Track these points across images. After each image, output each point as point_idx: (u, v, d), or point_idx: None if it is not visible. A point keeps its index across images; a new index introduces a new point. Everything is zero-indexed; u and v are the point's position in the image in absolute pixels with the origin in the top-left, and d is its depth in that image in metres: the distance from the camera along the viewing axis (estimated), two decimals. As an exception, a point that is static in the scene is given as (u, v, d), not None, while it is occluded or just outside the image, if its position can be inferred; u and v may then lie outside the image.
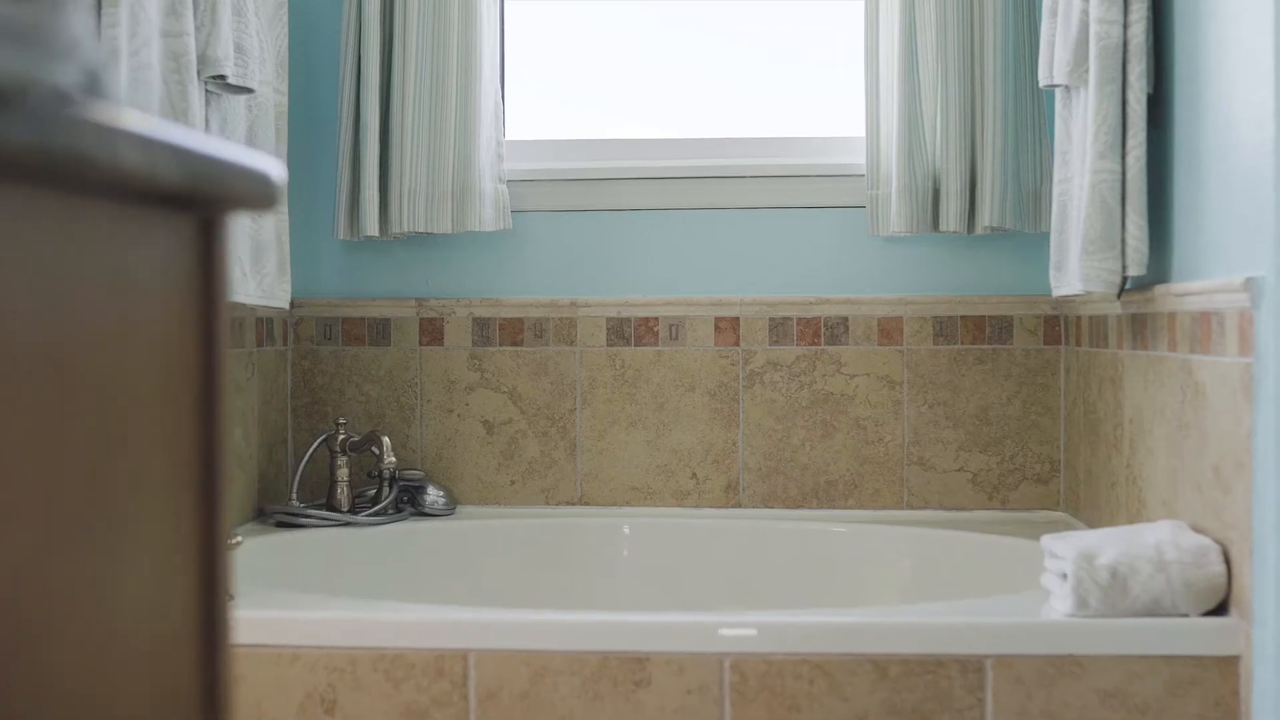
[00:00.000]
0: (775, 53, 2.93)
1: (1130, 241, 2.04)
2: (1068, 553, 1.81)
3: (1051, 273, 2.33)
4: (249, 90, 2.30)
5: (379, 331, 2.85)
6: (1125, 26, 2.05)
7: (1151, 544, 1.78)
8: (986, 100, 2.61)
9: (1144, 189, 2.04)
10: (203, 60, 2.16)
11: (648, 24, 2.96)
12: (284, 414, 2.84)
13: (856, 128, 2.83)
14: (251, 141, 2.42)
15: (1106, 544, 1.80)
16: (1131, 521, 2.24)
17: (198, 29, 2.15)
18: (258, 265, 2.43)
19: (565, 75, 2.98)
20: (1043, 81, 2.31)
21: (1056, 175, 2.32)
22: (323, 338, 2.87)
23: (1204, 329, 1.87)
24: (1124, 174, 2.06)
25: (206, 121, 2.25)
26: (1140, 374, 2.19)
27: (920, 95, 2.65)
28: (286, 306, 2.51)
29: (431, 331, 2.85)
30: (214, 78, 2.20)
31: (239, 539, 1.83)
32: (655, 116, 2.96)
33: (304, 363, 2.87)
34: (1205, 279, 1.90)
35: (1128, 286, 2.18)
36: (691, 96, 2.95)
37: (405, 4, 2.68)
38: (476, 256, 2.85)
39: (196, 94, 2.11)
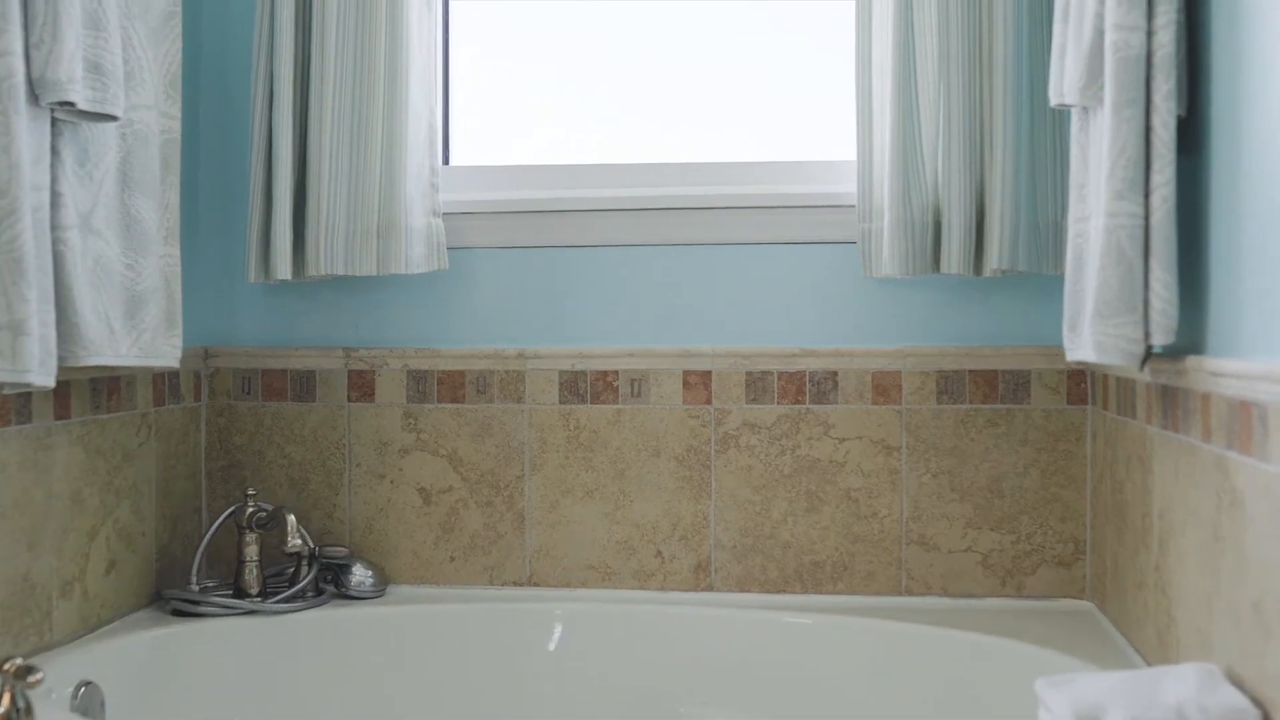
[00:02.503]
0: (755, 65, 2.54)
1: (1155, 303, 1.64)
2: (1064, 710, 1.41)
3: (1065, 332, 1.93)
4: (111, 117, 1.96)
5: (303, 385, 2.50)
6: (1149, 34, 1.64)
7: (1172, 705, 1.37)
8: (996, 119, 2.21)
9: (1172, 237, 1.63)
10: (40, 83, 1.81)
11: (611, 36, 2.58)
12: (195, 480, 2.50)
13: (849, 150, 2.44)
14: (126, 175, 2.08)
15: (1114, 701, 1.40)
16: (1160, 638, 1.83)
17: (34, 47, 1.81)
18: (133, 320, 2.09)
19: (519, 93, 2.61)
20: (1054, 100, 1.90)
21: (1072, 213, 1.91)
22: (241, 392, 2.52)
23: (1243, 422, 1.47)
24: (1147, 218, 1.65)
25: (55, 153, 1.90)
26: (1170, 460, 1.79)
27: (918, 113, 2.25)
28: (175, 365, 2.17)
29: (361, 385, 2.49)
30: (60, 104, 1.85)
31: (39, 675, 1.48)
32: (617, 140, 2.58)
33: (220, 420, 2.52)
34: (1246, 357, 1.49)
35: (1155, 351, 1.78)
36: (659, 116, 2.56)
37: (324, 11, 2.33)
38: (412, 300, 2.49)
39: (22, 124, 1.77)
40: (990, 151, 2.22)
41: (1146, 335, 1.66)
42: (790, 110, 2.53)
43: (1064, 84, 1.84)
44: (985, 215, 2.22)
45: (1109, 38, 1.65)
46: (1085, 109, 1.87)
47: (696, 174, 2.47)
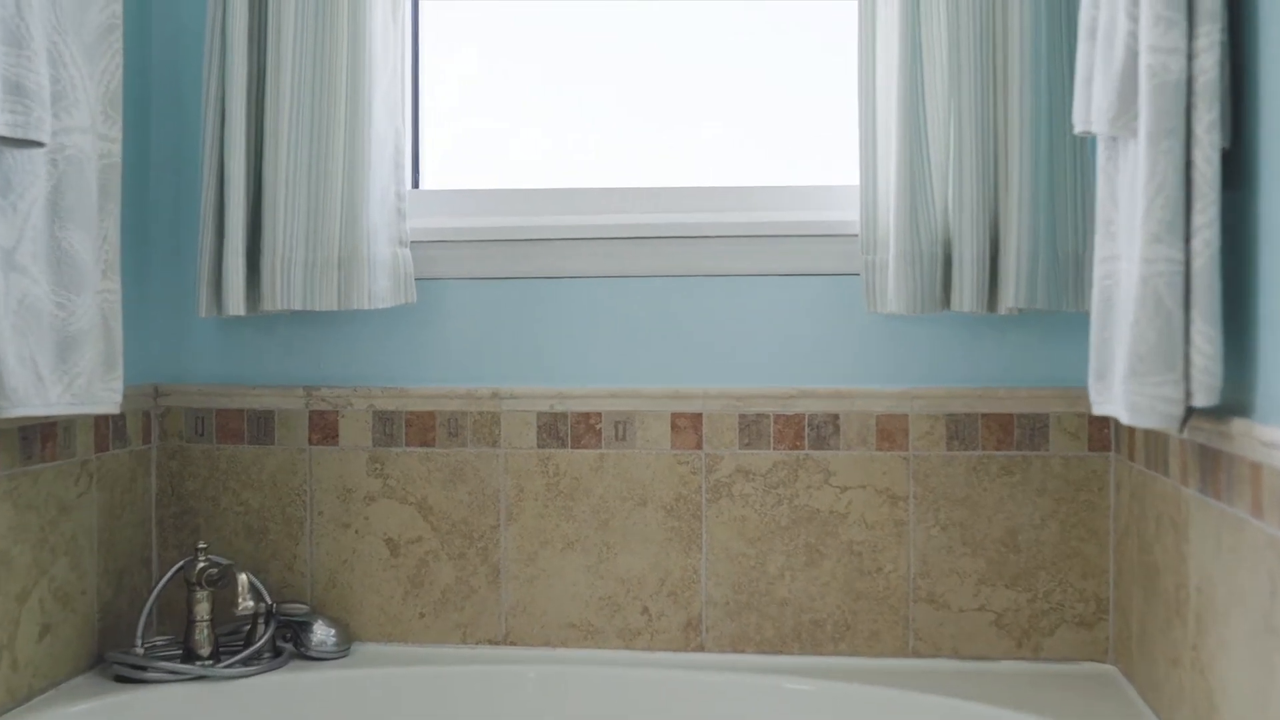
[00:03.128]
0: (751, 81, 2.35)
1: (1196, 359, 1.45)
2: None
3: (1091, 382, 1.74)
4: (36, 143, 1.77)
5: (261, 426, 2.31)
6: (1190, 57, 1.45)
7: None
8: (1011, 141, 2.02)
9: (1216, 286, 1.44)
10: (-50, 109, 1.63)
11: (596, 52, 2.39)
12: (145, 529, 2.31)
13: (850, 172, 2.25)
14: (57, 205, 1.89)
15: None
16: (1199, 727, 1.65)
17: (-58, 68, 1.63)
18: (65, 363, 1.90)
19: (497, 112, 2.42)
20: (1078, 127, 1.71)
21: (1099, 251, 1.72)
22: (194, 433, 2.33)
23: (1304, 505, 1.28)
24: (1188, 264, 1.46)
25: (-29, 187, 1.72)
26: (1210, 530, 1.60)
27: (926, 134, 2.06)
28: (114, 410, 1.98)
29: (324, 427, 2.30)
30: (-25, 131, 1.67)
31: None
32: (600, 162, 2.39)
33: (171, 464, 2.34)
34: (1306, 429, 1.30)
35: (1195, 408, 1.59)
36: (646, 137, 2.37)
37: (279, 24, 2.14)
38: (378, 335, 2.31)
39: (-75, 157, 1.58)
40: (1005, 177, 2.03)
41: (1187, 395, 1.47)
42: (788, 117, 2.34)
43: (1091, 110, 1.65)
44: (1000, 247, 2.03)
45: (1144, 61, 1.47)
46: (1113, 138, 1.68)
47: (686, 199, 2.28)
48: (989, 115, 2.03)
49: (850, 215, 2.20)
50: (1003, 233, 2.02)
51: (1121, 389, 1.52)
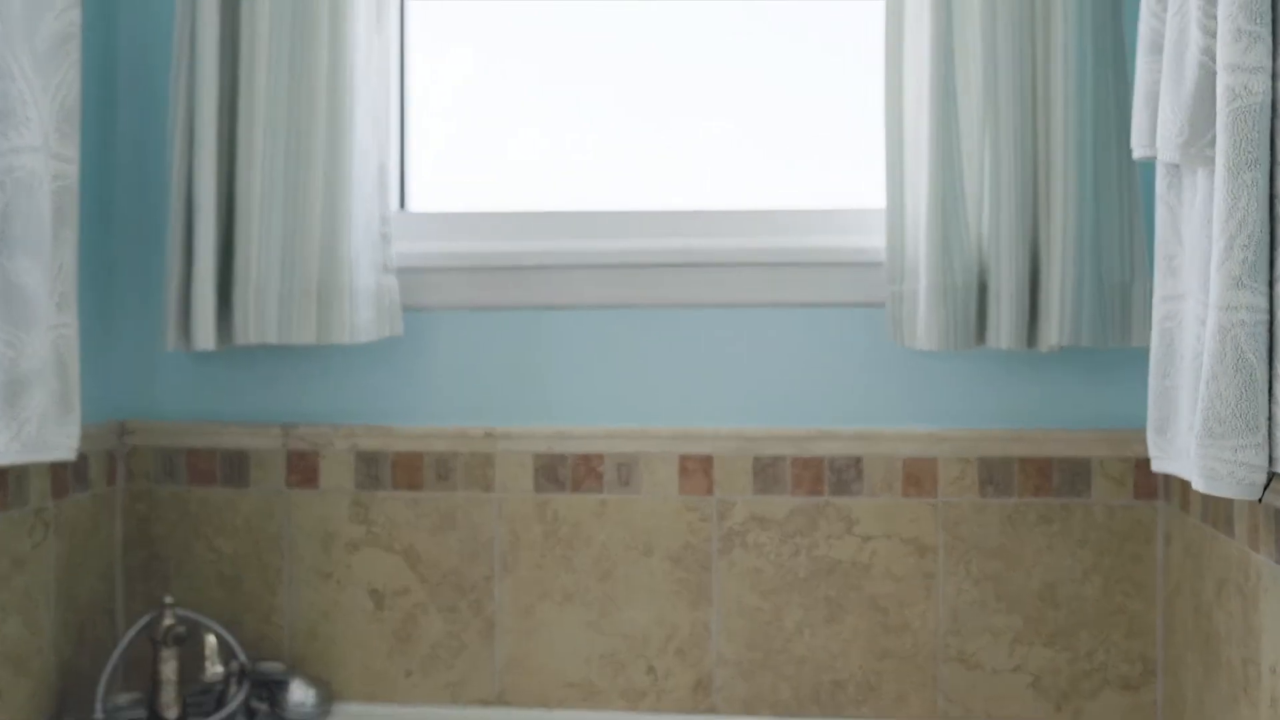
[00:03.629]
0: (768, 94, 2.18)
1: (1283, 422, 1.27)
2: None
3: (1151, 436, 1.56)
4: (-24, 168, 1.60)
5: (235, 467, 2.14)
6: (1275, 76, 1.28)
7: None
8: (1053, 162, 1.84)
9: (1306, 338, 1.26)
10: (-125, 131, 1.45)
11: (600, 64, 2.21)
12: (109, 579, 2.13)
13: (877, 196, 2.07)
14: (4, 232, 1.71)
15: None
16: (1274, 826, 1.47)
17: None
18: (13, 408, 1.72)
19: (493, 129, 2.24)
20: (1137, 151, 1.54)
21: (1159, 290, 1.55)
22: (163, 474, 2.15)
23: None
24: (1272, 312, 1.28)
25: (-98, 217, 1.54)
26: (1291, 607, 1.42)
27: (959, 156, 1.88)
28: (69, 457, 1.80)
29: (302, 468, 2.12)
30: (-95, 154, 1.49)
31: None
32: (603, 183, 2.21)
33: (138, 507, 2.16)
34: None
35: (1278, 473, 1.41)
36: (653, 155, 2.20)
37: (253, 31, 1.96)
38: (362, 369, 2.13)
39: None
40: (1046, 202, 1.85)
41: (1271, 461, 1.29)
42: (811, 151, 2.16)
43: (1156, 134, 1.47)
44: (1040, 279, 1.86)
45: (1222, 81, 1.29)
46: (1178, 165, 1.50)
47: (696, 224, 2.11)
48: (1028, 134, 1.85)
49: (874, 241, 2.02)
50: (1043, 263, 1.85)
51: (1196, 452, 1.34)
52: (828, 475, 2.03)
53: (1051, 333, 1.83)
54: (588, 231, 2.11)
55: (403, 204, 2.19)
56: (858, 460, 2.02)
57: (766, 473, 2.04)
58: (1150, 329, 1.77)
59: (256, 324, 1.96)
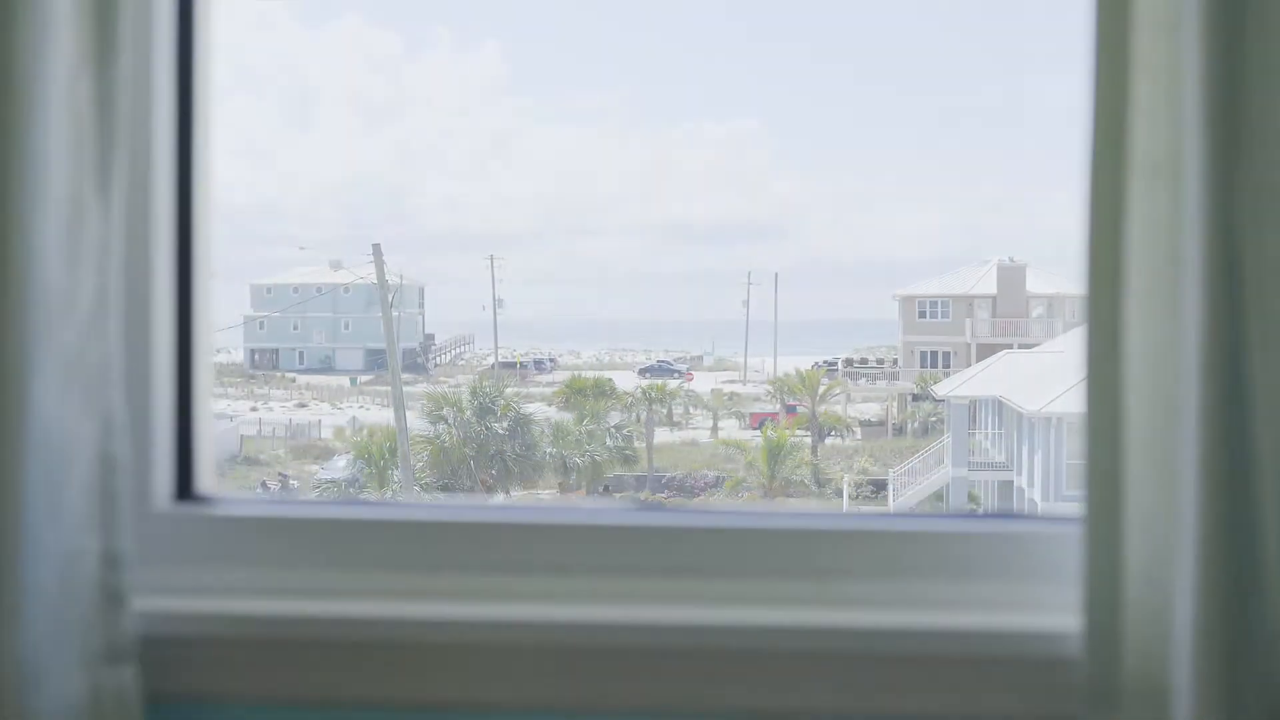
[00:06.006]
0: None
1: None
2: None
3: None
4: None
5: None
6: None
7: None
8: None
9: None
10: None
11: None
12: None
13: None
14: None
15: None
16: None
17: None
18: None
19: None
20: None
21: None
22: None
23: None
24: None
25: None
26: None
27: (1253, 448, 0.96)
28: None
29: None
30: None
31: None
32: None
33: None
34: None
35: None
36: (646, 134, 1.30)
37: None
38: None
39: None
40: None
41: None
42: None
43: None
44: None
45: None
46: None
47: (721, 552, 1.15)
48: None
49: (1055, 619, 1.07)
50: None
51: None
52: None
53: None
54: (509, 562, 1.14)
55: (187, 490, 1.21)
56: None
57: None
58: None
59: None
